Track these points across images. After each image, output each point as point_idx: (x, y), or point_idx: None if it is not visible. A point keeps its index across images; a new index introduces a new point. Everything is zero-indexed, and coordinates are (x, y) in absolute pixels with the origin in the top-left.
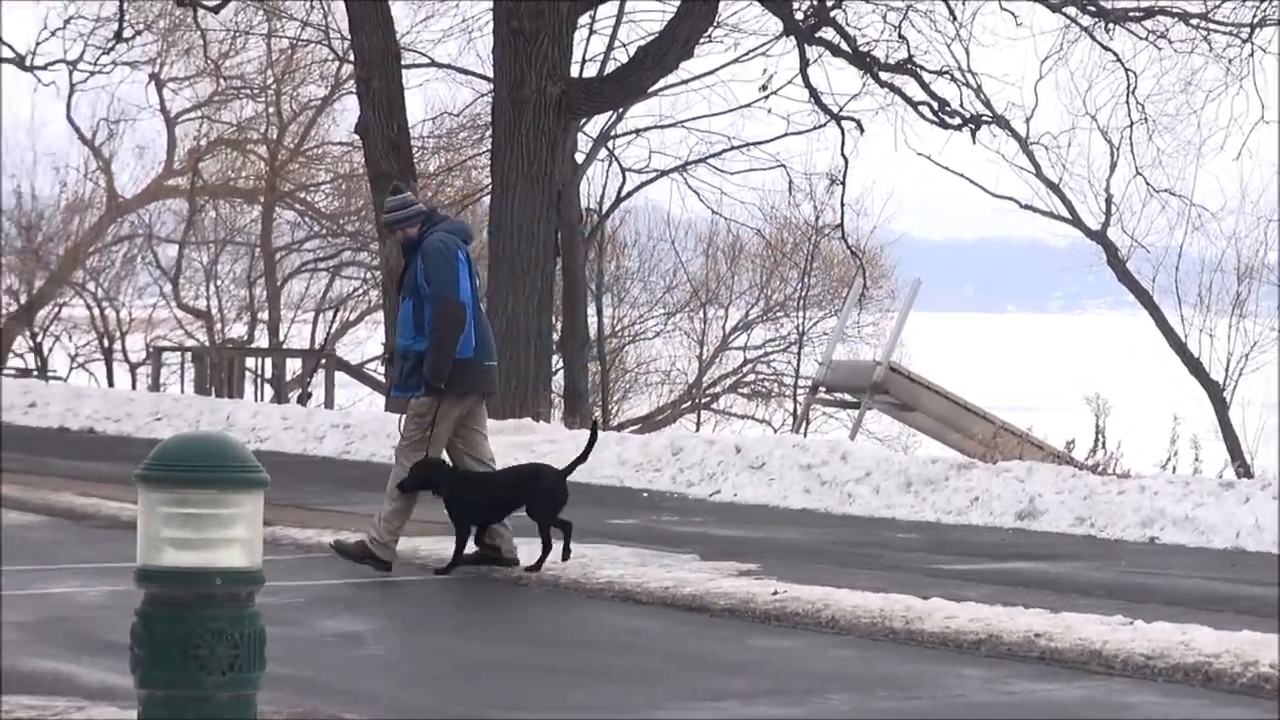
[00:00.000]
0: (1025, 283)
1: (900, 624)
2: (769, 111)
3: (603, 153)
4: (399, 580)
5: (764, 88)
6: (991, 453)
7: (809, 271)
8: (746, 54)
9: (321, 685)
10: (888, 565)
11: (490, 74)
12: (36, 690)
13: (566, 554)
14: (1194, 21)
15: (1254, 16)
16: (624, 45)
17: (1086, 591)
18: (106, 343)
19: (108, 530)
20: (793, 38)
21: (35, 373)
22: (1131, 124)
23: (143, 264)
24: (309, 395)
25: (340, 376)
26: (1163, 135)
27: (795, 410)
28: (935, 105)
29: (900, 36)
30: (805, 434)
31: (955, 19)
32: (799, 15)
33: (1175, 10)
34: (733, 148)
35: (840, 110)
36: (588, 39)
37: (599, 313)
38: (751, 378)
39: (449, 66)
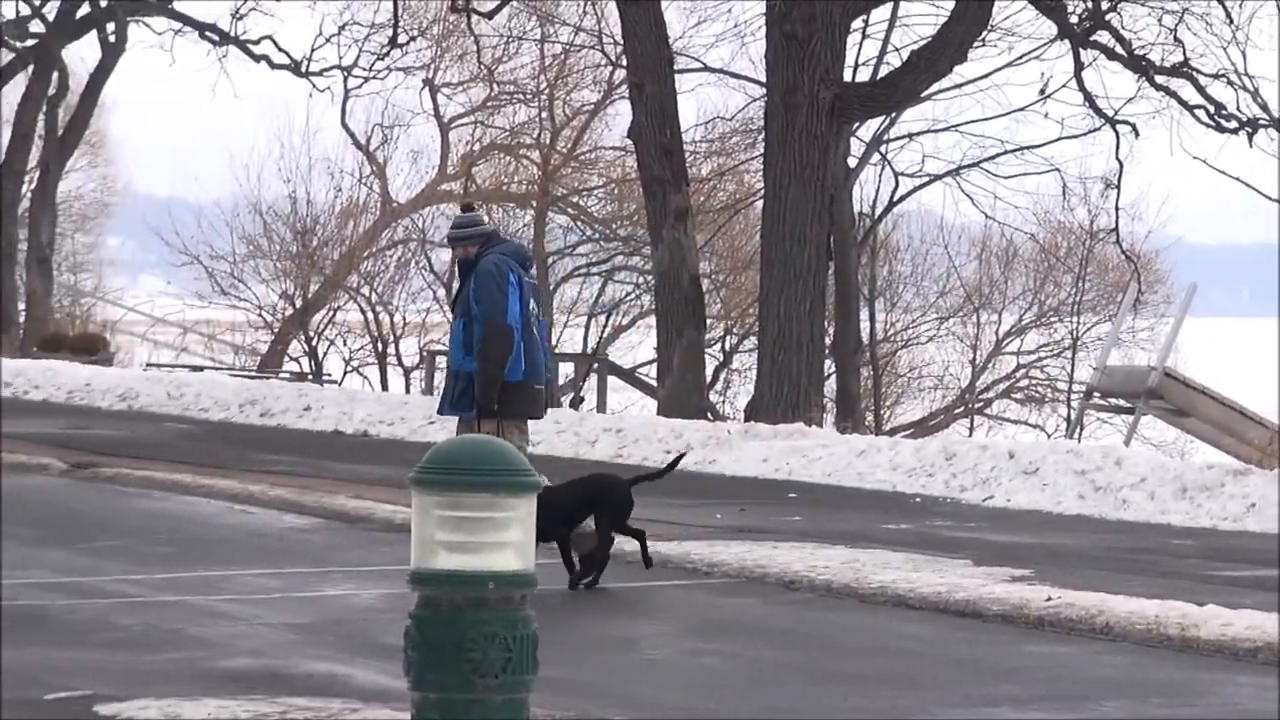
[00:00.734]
0: None
1: (1175, 631)
2: (1045, 115)
3: (875, 157)
4: (669, 584)
5: (1043, 90)
6: (1268, 459)
7: (1083, 276)
8: (1020, 58)
9: (593, 689)
10: (1162, 571)
11: (763, 78)
12: (311, 692)
13: (648, 561)
14: None
15: None
16: (897, 50)
17: None
18: (380, 346)
19: (382, 533)
20: (1067, 41)
21: (310, 376)
22: None
23: (416, 268)
24: (581, 399)
25: (612, 381)
26: None
27: (1069, 416)
28: (1211, 109)
29: (1176, 39)
30: (1079, 439)
31: (1232, 21)
32: (1074, 19)
33: None
34: (1006, 151)
35: (1115, 114)
36: (860, 43)
37: (871, 317)
38: (1025, 383)
39: (721, 71)
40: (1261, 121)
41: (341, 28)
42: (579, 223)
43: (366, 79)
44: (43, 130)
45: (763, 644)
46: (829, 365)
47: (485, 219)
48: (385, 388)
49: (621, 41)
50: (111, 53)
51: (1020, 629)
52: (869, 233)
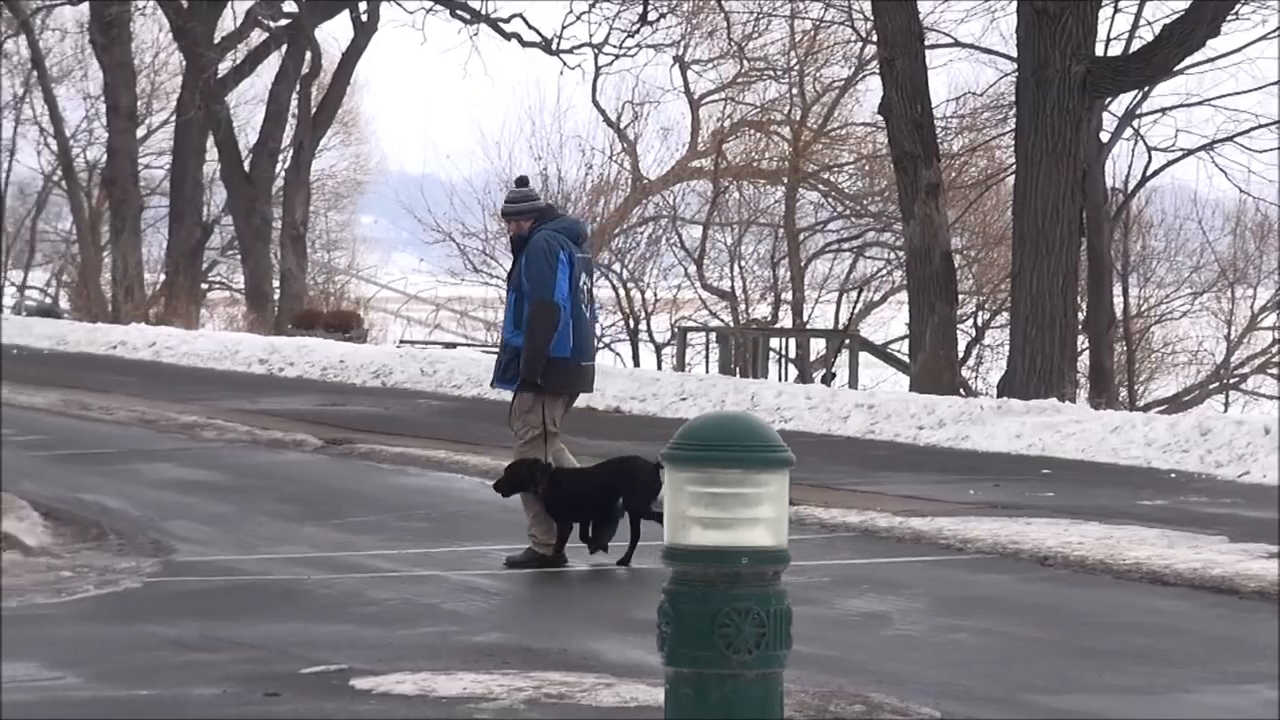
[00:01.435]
0: None
1: None
2: None
3: (1128, 131)
4: (921, 560)
5: None
6: None
7: None
8: (1274, 30)
9: (847, 664)
10: None
11: (1013, 53)
12: (565, 667)
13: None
14: None
15: None
16: (1149, 24)
17: None
18: (632, 323)
19: None
20: None
21: None
22: None
23: (667, 245)
24: (833, 375)
25: (864, 357)
26: None
27: None
28: None
29: None
30: None
31: None
32: None
33: None
34: (1260, 126)
35: None
36: (1112, 17)
37: (1124, 293)
38: None
39: (972, 46)
40: None
41: (592, 5)
42: (830, 199)
43: (617, 56)
44: (296, 109)
45: (1016, 620)
46: (1081, 341)
47: (539, 194)
48: (637, 364)
49: (872, 17)
50: (364, 32)
51: (1277, 605)
52: (1122, 208)
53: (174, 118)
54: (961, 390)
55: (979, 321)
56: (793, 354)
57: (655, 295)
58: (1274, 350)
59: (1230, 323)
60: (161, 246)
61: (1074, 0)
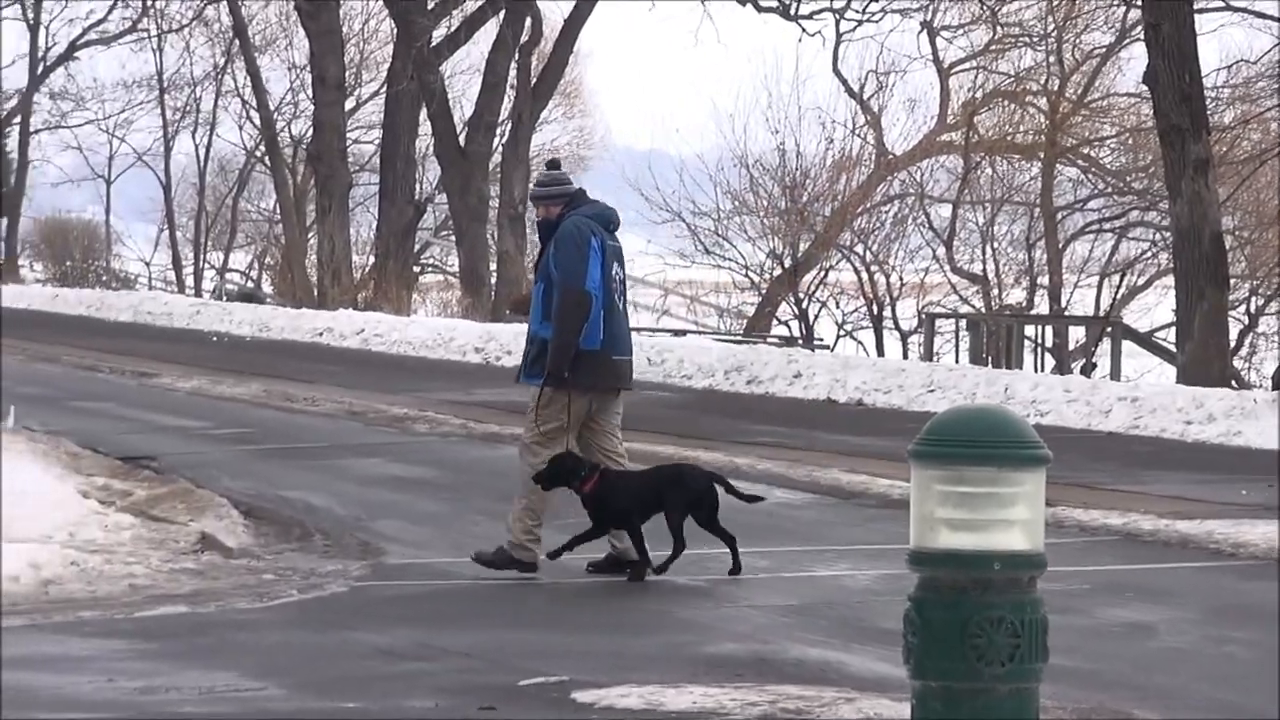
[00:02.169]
0: None
1: None
2: None
3: None
4: (1189, 566)
5: None
6: None
7: None
8: None
9: (1109, 679)
10: None
11: None
12: (802, 679)
13: (736, 568)
14: None
15: None
16: None
17: None
18: (876, 309)
19: (878, 509)
20: None
21: (800, 341)
22: None
23: (914, 225)
24: (1094, 365)
25: (1127, 346)
26: None
27: None
28: None
29: None
30: None
31: None
32: None
33: None
34: None
35: None
36: None
37: None
38: None
39: (1245, 10)
40: None
41: None
42: (1090, 175)
43: (860, 22)
44: (514, 80)
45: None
46: None
47: (570, 177)
48: (881, 353)
49: None
50: None
51: None
52: None
53: (384, 89)
54: (1233, 382)
55: (1252, 308)
56: (1049, 343)
57: (901, 279)
58: None
59: None
60: (371, 227)
61: None
